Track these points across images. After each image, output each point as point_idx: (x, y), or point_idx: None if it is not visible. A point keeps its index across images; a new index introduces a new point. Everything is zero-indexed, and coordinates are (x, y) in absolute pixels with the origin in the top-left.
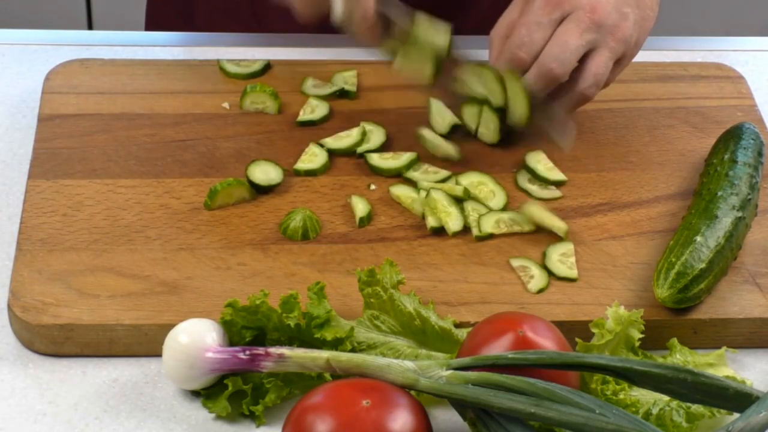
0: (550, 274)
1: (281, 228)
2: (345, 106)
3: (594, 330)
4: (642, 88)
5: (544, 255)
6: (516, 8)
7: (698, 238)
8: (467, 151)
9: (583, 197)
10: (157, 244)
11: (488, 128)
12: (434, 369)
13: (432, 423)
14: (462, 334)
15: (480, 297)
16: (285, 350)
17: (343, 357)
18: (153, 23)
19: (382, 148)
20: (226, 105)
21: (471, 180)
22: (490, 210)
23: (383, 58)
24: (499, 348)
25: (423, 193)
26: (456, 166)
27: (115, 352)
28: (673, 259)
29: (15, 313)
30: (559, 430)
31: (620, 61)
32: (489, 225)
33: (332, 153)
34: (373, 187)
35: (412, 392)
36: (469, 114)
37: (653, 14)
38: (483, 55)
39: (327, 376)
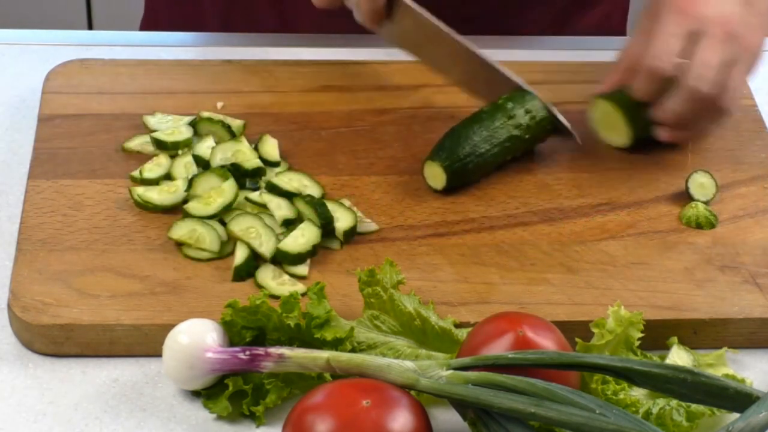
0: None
1: None
2: (343, 104)
3: (594, 330)
4: None
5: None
6: (640, 37)
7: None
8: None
9: (583, 197)
10: (157, 244)
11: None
12: (434, 369)
13: (432, 423)
14: (462, 334)
15: (480, 297)
16: (285, 350)
17: (343, 357)
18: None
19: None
20: (220, 105)
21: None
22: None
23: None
24: (499, 348)
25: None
26: None
27: (115, 352)
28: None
29: (15, 313)
30: (559, 430)
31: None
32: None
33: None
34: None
35: (412, 392)
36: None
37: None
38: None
39: (327, 376)
